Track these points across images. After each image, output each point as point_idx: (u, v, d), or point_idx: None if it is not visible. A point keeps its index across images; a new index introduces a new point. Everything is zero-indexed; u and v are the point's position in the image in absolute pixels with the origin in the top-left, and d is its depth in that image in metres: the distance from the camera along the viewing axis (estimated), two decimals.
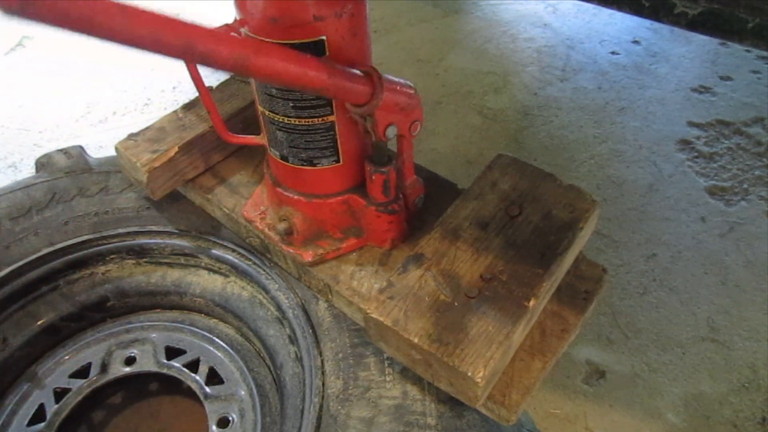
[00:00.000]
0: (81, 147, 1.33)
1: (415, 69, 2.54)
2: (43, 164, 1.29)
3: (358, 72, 0.84)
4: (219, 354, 1.12)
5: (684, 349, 1.55)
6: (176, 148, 1.09)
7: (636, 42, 2.60)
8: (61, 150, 1.30)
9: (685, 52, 2.52)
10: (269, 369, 1.09)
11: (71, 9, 0.52)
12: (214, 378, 1.09)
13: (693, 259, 1.74)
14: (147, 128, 1.14)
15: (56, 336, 1.17)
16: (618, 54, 2.54)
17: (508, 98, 2.36)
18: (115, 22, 0.56)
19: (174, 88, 2.50)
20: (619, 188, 1.97)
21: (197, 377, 1.08)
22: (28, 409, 1.07)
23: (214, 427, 1.02)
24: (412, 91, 0.89)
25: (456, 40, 2.69)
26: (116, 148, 1.12)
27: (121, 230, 1.17)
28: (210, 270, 1.17)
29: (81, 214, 1.20)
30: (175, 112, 1.17)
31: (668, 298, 1.66)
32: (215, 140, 1.13)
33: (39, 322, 1.14)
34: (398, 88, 0.86)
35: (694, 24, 0.63)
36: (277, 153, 0.98)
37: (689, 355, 1.53)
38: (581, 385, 1.49)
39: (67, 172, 1.25)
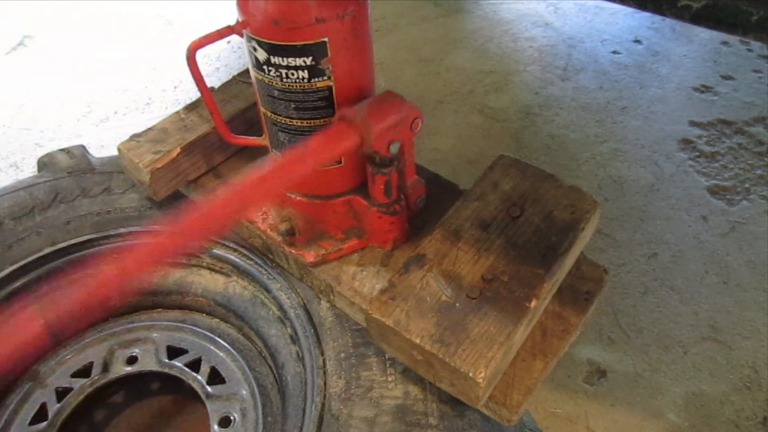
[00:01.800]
0: (83, 146, 1.33)
1: (417, 69, 2.54)
2: (45, 164, 1.29)
3: (343, 116, 0.84)
4: (221, 354, 1.12)
5: (685, 348, 1.55)
6: (178, 149, 1.09)
7: (637, 41, 2.60)
8: (63, 149, 1.30)
9: (686, 51, 2.52)
10: (271, 369, 1.09)
11: None
12: (215, 377, 1.09)
13: (694, 259, 1.74)
14: (149, 129, 1.14)
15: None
16: (619, 53, 2.54)
17: (510, 98, 2.36)
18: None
19: (175, 87, 2.51)
20: (621, 188, 1.97)
21: (199, 377, 1.09)
22: (30, 409, 1.07)
23: (215, 427, 1.02)
24: (399, 104, 0.88)
25: (457, 39, 2.69)
26: (119, 149, 1.12)
27: (122, 230, 1.17)
28: (212, 270, 1.18)
29: (83, 213, 1.20)
30: (177, 112, 1.18)
31: (669, 298, 1.66)
32: (217, 141, 1.13)
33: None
34: (384, 112, 0.86)
35: (698, 17, 0.62)
36: (280, 154, 0.99)
37: (690, 354, 1.53)
38: (583, 385, 1.50)
39: (69, 172, 1.26)
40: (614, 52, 2.55)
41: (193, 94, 2.37)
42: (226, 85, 1.23)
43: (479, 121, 2.27)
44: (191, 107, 1.19)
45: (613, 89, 2.36)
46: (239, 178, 0.80)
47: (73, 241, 1.16)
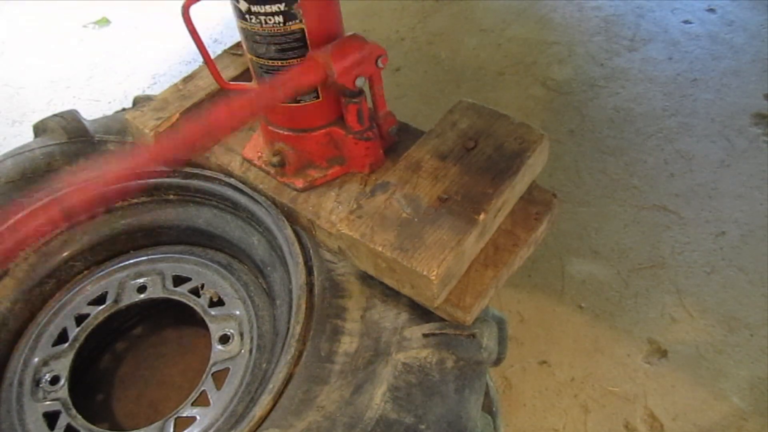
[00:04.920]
0: (76, 111, 1.36)
1: (478, 39, 2.50)
2: (43, 130, 1.32)
3: (311, 56, 0.97)
4: (219, 279, 1.21)
5: (752, 331, 1.50)
6: (177, 115, 1.20)
7: (711, 10, 2.48)
8: (57, 114, 1.33)
9: (763, 21, 2.39)
10: (262, 286, 1.18)
11: None
12: (215, 300, 1.18)
13: (765, 238, 1.67)
14: (152, 99, 1.25)
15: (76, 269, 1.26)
16: (691, 23, 2.43)
17: (573, 69, 2.30)
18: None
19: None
20: (689, 163, 1.90)
21: (201, 300, 1.18)
22: (53, 332, 1.18)
23: (216, 344, 1.11)
24: (360, 44, 1.00)
25: (520, 9, 2.62)
26: (126, 118, 1.23)
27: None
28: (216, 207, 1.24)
29: None
30: (175, 84, 1.29)
31: (737, 278, 1.60)
32: (211, 105, 1.24)
33: (64, 255, 1.24)
34: (346, 52, 0.98)
35: None
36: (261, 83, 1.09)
37: (757, 337, 1.48)
38: (642, 364, 1.47)
39: (69, 137, 1.30)
40: (685, 22, 2.44)
41: None
42: (218, 58, 1.35)
43: (541, 93, 2.22)
44: (188, 79, 1.30)
45: (683, 60, 2.26)
46: (225, 100, 0.92)
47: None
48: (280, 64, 1.03)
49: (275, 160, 1.11)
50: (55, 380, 1.10)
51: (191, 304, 1.17)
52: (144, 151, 0.87)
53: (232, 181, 1.16)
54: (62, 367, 1.12)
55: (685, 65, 2.24)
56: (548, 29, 2.50)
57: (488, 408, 1.17)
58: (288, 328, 0.96)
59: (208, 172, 1.20)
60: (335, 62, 0.96)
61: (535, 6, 2.63)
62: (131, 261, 1.26)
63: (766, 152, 1.90)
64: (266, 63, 1.04)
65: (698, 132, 1.99)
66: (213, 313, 1.15)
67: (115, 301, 1.20)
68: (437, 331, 0.91)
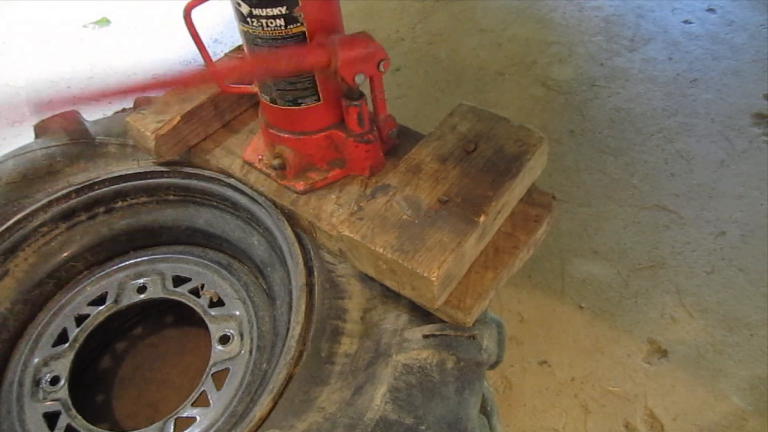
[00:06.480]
0: (77, 112, 1.36)
1: (478, 39, 2.50)
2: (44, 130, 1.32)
3: (319, 42, 0.97)
4: (219, 279, 1.21)
5: (752, 330, 1.50)
6: (178, 117, 1.20)
7: (711, 10, 2.48)
8: (57, 115, 1.33)
9: (763, 21, 2.39)
10: (262, 286, 1.18)
11: None
12: (215, 301, 1.19)
13: (765, 238, 1.67)
14: (153, 103, 1.26)
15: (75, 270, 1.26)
16: (691, 23, 2.43)
17: (573, 69, 2.30)
18: None
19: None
20: (689, 163, 1.90)
21: (201, 301, 1.18)
22: (53, 332, 1.18)
23: (217, 345, 1.11)
24: (368, 42, 1.01)
25: (520, 9, 2.62)
26: (127, 122, 1.22)
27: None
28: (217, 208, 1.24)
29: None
30: None
31: (737, 278, 1.60)
32: (212, 110, 1.26)
33: (64, 255, 1.23)
34: (354, 45, 0.99)
35: None
36: (267, 97, 1.09)
37: (757, 337, 1.48)
38: (642, 364, 1.47)
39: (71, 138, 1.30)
40: (686, 22, 2.44)
41: None
42: (219, 61, 1.34)
43: (541, 93, 2.22)
44: None
45: (684, 60, 2.26)
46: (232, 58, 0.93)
47: (91, 181, 1.22)
48: None
49: (276, 162, 1.11)
50: (55, 380, 1.10)
51: (191, 305, 1.17)
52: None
53: (231, 181, 1.16)
54: (62, 367, 1.12)
55: (685, 65, 2.24)
56: (548, 29, 2.50)
57: (483, 408, 1.17)
58: (288, 329, 0.96)
59: (207, 173, 1.20)
60: (342, 51, 0.97)
61: (535, 6, 2.63)
62: (131, 261, 1.27)
63: (766, 152, 1.90)
64: None
65: (698, 132, 1.99)
66: (213, 313, 1.15)
67: (115, 302, 1.20)
68: (437, 333, 0.91)
